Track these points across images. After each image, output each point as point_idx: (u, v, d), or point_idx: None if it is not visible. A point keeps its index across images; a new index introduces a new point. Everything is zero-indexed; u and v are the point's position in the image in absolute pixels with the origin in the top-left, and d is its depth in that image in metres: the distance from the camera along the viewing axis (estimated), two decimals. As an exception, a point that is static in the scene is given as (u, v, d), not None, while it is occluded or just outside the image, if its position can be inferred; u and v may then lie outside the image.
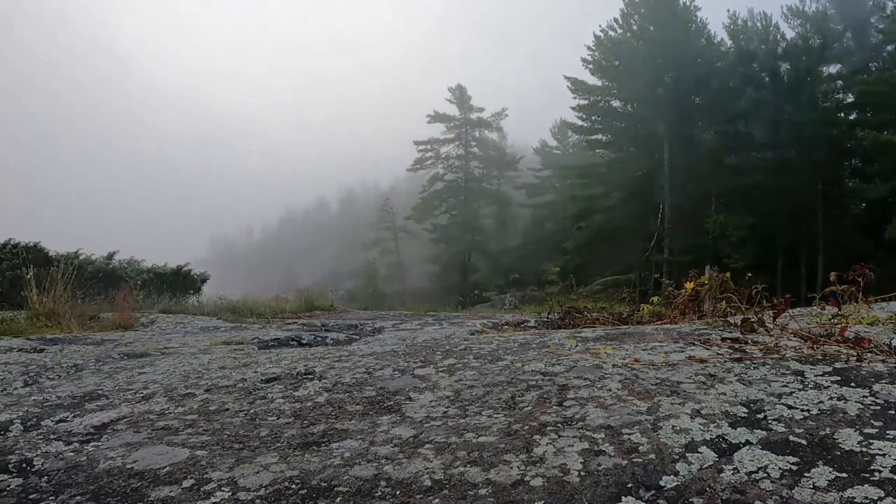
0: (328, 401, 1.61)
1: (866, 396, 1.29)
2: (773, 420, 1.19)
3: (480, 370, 1.81)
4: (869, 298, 2.24)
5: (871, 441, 1.06)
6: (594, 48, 28.97)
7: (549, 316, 4.75)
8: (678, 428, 1.17)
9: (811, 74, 25.17)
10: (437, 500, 0.97)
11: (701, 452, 1.06)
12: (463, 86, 42.79)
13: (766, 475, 0.96)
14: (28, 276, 5.48)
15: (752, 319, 2.20)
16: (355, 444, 1.25)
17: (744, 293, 2.53)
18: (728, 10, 29.38)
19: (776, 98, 26.14)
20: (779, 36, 27.96)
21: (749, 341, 1.96)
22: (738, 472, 0.98)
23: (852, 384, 1.38)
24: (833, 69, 27.17)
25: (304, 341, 3.84)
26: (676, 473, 0.99)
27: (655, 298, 4.02)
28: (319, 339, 3.99)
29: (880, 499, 0.87)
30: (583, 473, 1.02)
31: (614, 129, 29.63)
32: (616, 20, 29.61)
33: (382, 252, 44.50)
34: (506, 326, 4.49)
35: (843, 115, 26.35)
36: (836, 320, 2.03)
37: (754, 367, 1.59)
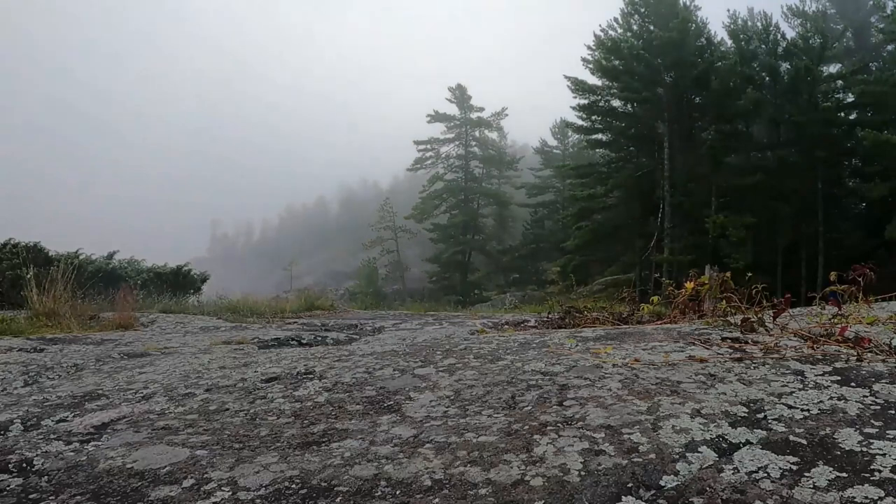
0: (328, 400, 1.61)
1: (866, 396, 1.29)
2: (774, 420, 1.19)
3: (480, 370, 1.81)
4: (869, 298, 2.24)
5: (871, 441, 1.06)
6: (594, 48, 28.96)
7: (549, 316, 4.76)
8: (678, 427, 1.17)
9: (811, 74, 25.12)
10: (437, 500, 0.97)
11: (701, 452, 1.06)
12: (463, 85, 42.81)
13: (766, 475, 0.96)
14: (28, 276, 5.48)
15: (753, 319, 2.20)
16: (355, 443, 1.25)
17: (744, 293, 2.53)
18: (728, 10, 29.34)
19: (776, 98, 26.16)
20: (779, 36, 27.94)
21: (749, 341, 1.96)
22: (739, 471, 0.98)
23: (852, 384, 1.38)
24: (833, 69, 27.16)
25: (304, 341, 3.84)
26: (676, 473, 0.99)
27: (655, 298, 4.01)
28: (319, 338, 3.99)
29: (880, 499, 0.87)
30: (583, 473, 1.02)
31: (614, 129, 29.61)
32: (616, 20, 29.62)
33: (382, 252, 44.48)
34: (506, 326, 4.49)
35: (843, 115, 26.30)
36: (836, 320, 2.03)
37: (754, 367, 1.59)
